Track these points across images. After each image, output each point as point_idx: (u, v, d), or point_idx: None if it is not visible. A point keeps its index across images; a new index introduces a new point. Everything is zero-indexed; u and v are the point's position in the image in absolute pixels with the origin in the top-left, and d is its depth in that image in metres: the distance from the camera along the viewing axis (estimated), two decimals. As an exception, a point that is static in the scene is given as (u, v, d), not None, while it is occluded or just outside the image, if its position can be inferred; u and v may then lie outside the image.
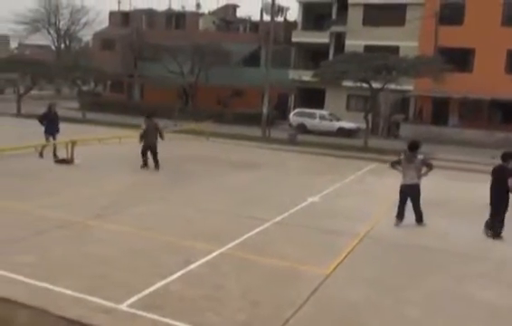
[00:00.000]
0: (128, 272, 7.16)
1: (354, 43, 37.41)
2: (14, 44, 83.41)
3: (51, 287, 6.40)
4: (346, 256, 8.46)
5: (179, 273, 7.15)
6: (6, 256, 7.37)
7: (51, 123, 16.88)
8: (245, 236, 9.20)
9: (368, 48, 35.86)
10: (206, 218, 10.51)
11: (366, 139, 26.79)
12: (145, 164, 15.95)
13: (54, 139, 16.94)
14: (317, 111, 35.57)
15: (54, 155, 16.50)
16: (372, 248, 9.17)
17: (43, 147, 16.72)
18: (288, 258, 8.14)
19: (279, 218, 10.73)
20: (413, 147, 10.68)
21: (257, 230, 9.71)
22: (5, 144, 15.93)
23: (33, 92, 42.56)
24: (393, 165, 11.11)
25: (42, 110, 18.19)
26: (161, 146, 16.28)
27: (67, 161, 15.91)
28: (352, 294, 6.87)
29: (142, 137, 15.94)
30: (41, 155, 16.57)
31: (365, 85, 28.07)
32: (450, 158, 22.91)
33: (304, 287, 6.96)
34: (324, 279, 7.33)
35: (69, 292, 6.29)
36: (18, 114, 34.03)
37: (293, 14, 49.28)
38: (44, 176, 13.97)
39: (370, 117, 29.73)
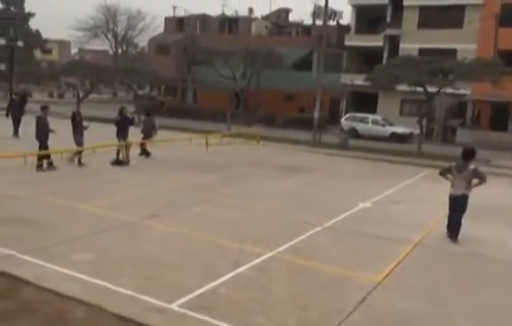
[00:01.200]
0: (180, 272, 7.33)
1: (408, 47, 36.61)
2: (74, 50, 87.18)
3: (107, 285, 6.65)
4: (397, 264, 8.30)
5: (229, 276, 7.25)
6: (66, 254, 7.72)
7: (122, 127, 17.47)
8: (295, 241, 9.21)
9: (424, 51, 34.93)
10: (256, 221, 10.60)
11: (420, 145, 26.13)
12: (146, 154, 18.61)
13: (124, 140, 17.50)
14: (370, 116, 35.02)
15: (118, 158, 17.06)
16: (425, 257, 8.95)
17: (118, 151, 17.10)
18: (337, 264, 8.09)
19: (329, 223, 10.67)
20: (468, 155, 9.92)
21: (307, 235, 9.70)
22: (67, 146, 16.59)
23: (92, 96, 44.15)
24: (443, 173, 10.47)
25: (99, 113, 18.94)
26: (215, 150, 16.50)
27: (123, 163, 16.44)
28: (402, 304, 6.75)
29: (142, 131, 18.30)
30: (117, 161, 16.76)
31: (419, 89, 27.39)
32: (510, 166, 22.01)
33: (353, 294, 6.90)
34: (374, 287, 7.23)
35: (124, 290, 6.52)
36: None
37: (346, 17, 48.72)
38: (101, 177, 14.49)
39: (424, 122, 28.98)
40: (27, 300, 6.11)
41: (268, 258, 8.18)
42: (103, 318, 5.83)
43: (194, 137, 23.25)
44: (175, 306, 6.17)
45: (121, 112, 17.66)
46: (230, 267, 7.56)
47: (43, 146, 14.96)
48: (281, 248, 8.70)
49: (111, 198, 11.76)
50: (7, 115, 23.66)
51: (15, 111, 22.42)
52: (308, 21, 52.86)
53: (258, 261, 7.99)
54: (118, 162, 16.46)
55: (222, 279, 7.11)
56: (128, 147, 17.05)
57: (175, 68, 50.77)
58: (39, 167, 14.62)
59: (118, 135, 17.30)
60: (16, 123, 21.80)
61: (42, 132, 14.97)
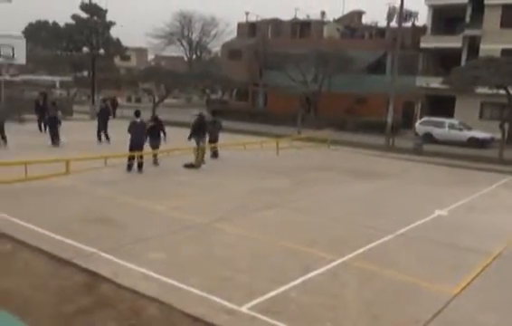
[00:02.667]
0: (250, 275, 7.37)
1: (490, 47, 34.81)
2: (151, 56, 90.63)
3: (178, 284, 6.81)
4: (476, 276, 7.88)
5: (299, 280, 7.20)
6: (141, 253, 8.00)
7: (199, 130, 18.00)
8: (367, 247, 9.00)
9: (507, 52, 33.11)
10: (327, 226, 10.47)
11: (502, 150, 24.70)
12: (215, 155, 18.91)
13: (203, 144, 18.10)
14: (446, 120, 33.57)
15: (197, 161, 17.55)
16: (506, 269, 8.44)
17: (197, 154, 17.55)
18: (411, 273, 7.81)
19: (402, 230, 10.34)
20: None
21: (379, 241, 9.45)
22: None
23: (167, 101, 45.64)
24: None
25: (173, 117, 19.56)
26: (285, 153, 16.50)
27: (195, 166, 16.83)
28: (481, 319, 6.39)
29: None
30: (191, 163, 17.04)
31: (501, 92, 25.97)
32: None
33: (428, 306, 6.62)
34: (450, 299, 6.90)
35: (194, 290, 6.65)
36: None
37: (422, 18, 47.08)
38: (175, 179, 14.91)
39: (507, 126, 27.41)
40: (106, 296, 6.39)
41: (339, 264, 8.05)
42: (174, 316, 5.97)
43: (265, 140, 23.39)
44: (244, 309, 6.21)
45: (200, 117, 18.41)
46: (300, 271, 7.51)
47: (137, 148, 15.61)
48: (353, 254, 8.53)
49: (184, 200, 12.06)
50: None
51: (103, 116, 22.73)
52: (381, 23, 51.72)
53: (329, 266, 7.88)
54: (191, 165, 16.87)
55: (293, 283, 7.07)
56: (202, 150, 17.45)
57: (246, 72, 51.41)
58: (129, 166, 15.37)
59: (195, 138, 17.88)
60: (103, 127, 22.14)
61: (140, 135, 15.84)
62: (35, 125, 24.87)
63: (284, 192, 13.90)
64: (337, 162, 20.89)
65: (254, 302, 6.40)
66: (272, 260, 8.10)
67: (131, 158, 15.42)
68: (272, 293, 6.70)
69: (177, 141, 18.48)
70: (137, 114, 16.20)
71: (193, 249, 8.45)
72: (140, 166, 15.46)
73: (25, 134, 22.36)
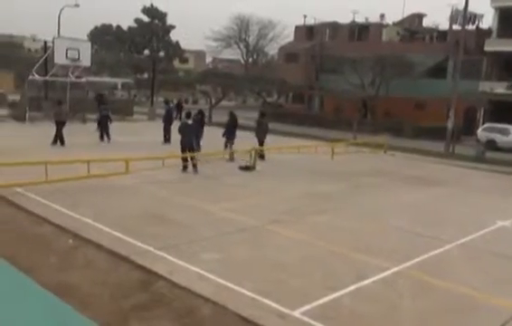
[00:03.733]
0: (302, 279, 7.35)
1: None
2: (208, 59, 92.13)
3: (232, 286, 6.88)
4: (541, 292, 7.50)
5: (352, 287, 7.11)
6: (196, 253, 8.15)
7: (231, 130, 18.57)
8: (423, 257, 8.75)
9: None
10: (381, 233, 10.27)
11: None
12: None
13: (232, 144, 18.54)
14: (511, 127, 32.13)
15: (231, 159, 18.03)
16: None
17: (231, 152, 18.29)
18: (471, 286, 7.52)
19: (462, 241, 9.98)
20: None
21: (436, 251, 9.16)
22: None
23: (223, 103, 46.30)
24: None
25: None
26: (341, 158, 16.32)
27: (250, 168, 16.95)
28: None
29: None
30: (246, 166, 17.14)
31: None
32: None
33: (489, 321, 6.38)
34: (512, 314, 6.61)
35: (247, 292, 6.70)
36: (209, 123, 37.31)
37: (487, 21, 45.21)
38: (228, 180, 15.07)
39: None
40: (161, 293, 6.55)
41: (394, 272, 7.87)
42: (227, 317, 6.04)
43: (320, 144, 23.23)
44: (297, 313, 6.19)
45: (232, 116, 19.41)
46: (353, 278, 7.41)
47: (188, 148, 15.97)
48: (408, 263, 8.32)
49: (238, 202, 12.17)
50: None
51: (169, 117, 22.99)
52: (443, 26, 50.10)
53: (383, 274, 7.73)
54: (246, 167, 17.00)
55: (346, 290, 6.99)
56: (256, 152, 17.55)
57: (302, 76, 51.28)
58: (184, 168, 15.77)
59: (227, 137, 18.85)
60: (168, 128, 22.28)
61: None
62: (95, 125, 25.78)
63: (338, 197, 13.75)
64: (394, 168, 20.44)
65: (307, 307, 6.37)
66: (325, 265, 8.03)
67: (185, 160, 15.79)
68: (325, 299, 6.64)
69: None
70: (188, 116, 16.74)
71: (246, 251, 8.52)
72: (195, 166, 15.77)
73: (86, 133, 23.25)
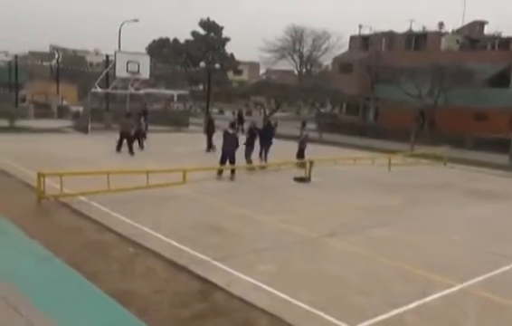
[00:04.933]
0: (361, 295, 7.17)
1: None
2: (262, 70, 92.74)
3: (289, 298, 6.80)
4: None
5: (414, 304, 6.86)
6: (252, 264, 8.13)
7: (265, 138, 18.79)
8: (489, 274, 8.36)
9: None
10: (443, 248, 9.89)
11: None
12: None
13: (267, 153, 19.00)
14: None
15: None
16: None
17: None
18: (542, 307, 7.10)
19: (530, 259, 9.46)
20: None
21: (504, 269, 8.73)
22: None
23: (277, 114, 46.35)
24: None
25: (282, 130, 19.89)
26: (398, 170, 15.90)
27: (305, 179, 16.82)
28: None
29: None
30: (301, 177, 16.99)
31: None
32: None
33: None
34: None
35: (305, 305, 6.60)
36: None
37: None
38: (284, 191, 15.00)
39: None
40: (219, 304, 6.57)
41: (458, 290, 7.55)
42: (285, 330, 5.98)
43: (376, 156, 22.78)
44: (356, 329, 6.05)
45: (268, 124, 20.05)
46: (415, 295, 7.15)
47: (228, 157, 16.19)
48: (473, 281, 7.96)
49: (293, 213, 12.08)
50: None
51: (210, 130, 23.42)
52: (506, 33, 48.13)
53: (446, 292, 7.43)
54: (301, 178, 16.89)
55: (407, 307, 6.76)
56: (311, 164, 17.38)
57: (357, 86, 50.59)
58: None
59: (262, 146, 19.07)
60: (209, 139, 22.85)
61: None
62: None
63: (397, 210, 13.39)
64: (455, 181, 19.72)
65: (366, 323, 6.21)
66: (385, 280, 7.81)
67: (222, 164, 16.11)
68: (386, 316, 6.45)
69: (285, 154, 18.66)
70: (232, 126, 16.99)
71: (303, 263, 8.42)
72: (233, 171, 16.05)
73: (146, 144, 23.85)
